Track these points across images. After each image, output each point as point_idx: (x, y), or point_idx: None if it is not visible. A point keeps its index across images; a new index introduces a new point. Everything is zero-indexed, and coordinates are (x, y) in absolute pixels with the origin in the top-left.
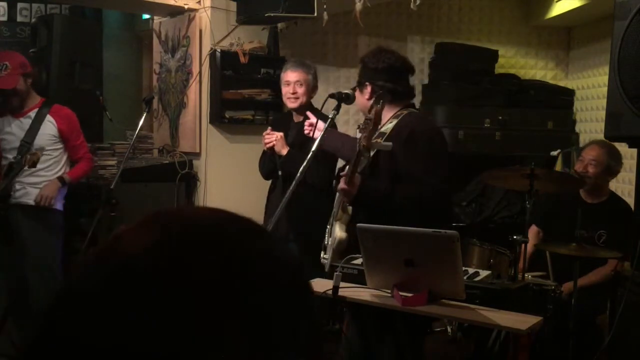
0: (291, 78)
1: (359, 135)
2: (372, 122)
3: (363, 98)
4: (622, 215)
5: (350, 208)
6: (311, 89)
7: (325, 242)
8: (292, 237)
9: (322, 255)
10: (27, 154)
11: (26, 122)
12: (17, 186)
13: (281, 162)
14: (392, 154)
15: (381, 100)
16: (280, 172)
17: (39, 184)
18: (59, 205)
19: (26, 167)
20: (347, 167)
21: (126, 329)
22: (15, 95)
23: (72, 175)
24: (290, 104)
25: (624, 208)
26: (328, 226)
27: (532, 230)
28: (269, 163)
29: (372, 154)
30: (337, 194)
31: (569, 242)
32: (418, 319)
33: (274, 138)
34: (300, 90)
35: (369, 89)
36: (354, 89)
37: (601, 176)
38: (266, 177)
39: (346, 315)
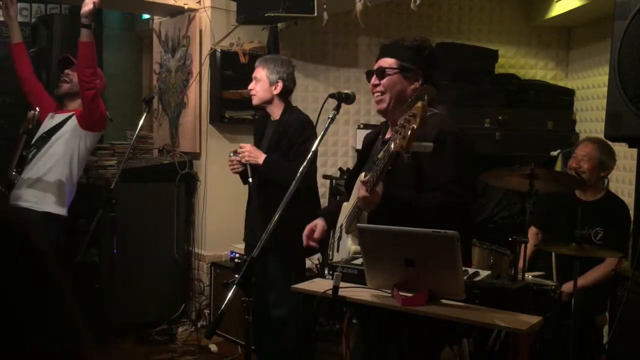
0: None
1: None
2: (418, 120)
3: (409, 88)
4: (619, 213)
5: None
6: (269, 85)
7: (331, 258)
8: (272, 246)
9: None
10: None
11: (58, 118)
12: (18, 189)
13: (260, 172)
14: (416, 156)
15: (425, 95)
16: (250, 180)
17: (37, 184)
18: (63, 211)
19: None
20: (368, 173)
21: None
22: (67, 82)
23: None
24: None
25: (620, 206)
26: (331, 240)
27: (531, 232)
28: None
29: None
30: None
31: (569, 242)
32: (428, 335)
33: (236, 165)
34: (255, 86)
35: (420, 79)
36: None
37: (595, 172)
38: (244, 182)
39: (347, 315)
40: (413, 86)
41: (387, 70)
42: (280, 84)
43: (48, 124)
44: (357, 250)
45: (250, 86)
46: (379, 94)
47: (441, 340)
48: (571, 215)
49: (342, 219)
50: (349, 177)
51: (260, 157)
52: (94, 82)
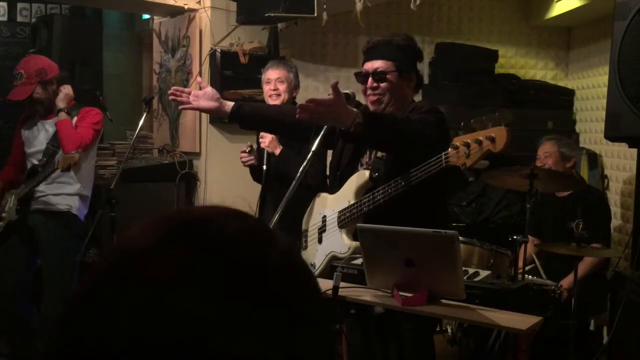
0: (272, 76)
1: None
2: (498, 146)
3: (407, 87)
4: (595, 201)
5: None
6: (293, 87)
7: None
8: None
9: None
10: (61, 157)
11: (51, 124)
12: (39, 193)
13: (274, 162)
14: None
15: (504, 122)
16: (265, 168)
17: (60, 194)
18: (81, 215)
19: (59, 170)
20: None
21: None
22: (35, 103)
23: (67, 125)
24: (272, 101)
25: (596, 195)
26: (310, 234)
27: (531, 242)
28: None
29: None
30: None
31: (568, 242)
32: (423, 319)
33: (248, 157)
34: (282, 87)
35: (414, 77)
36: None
37: (559, 165)
38: (254, 178)
39: (347, 318)
40: (409, 85)
41: (388, 75)
42: (299, 88)
43: (40, 131)
44: (358, 246)
45: (278, 86)
46: (377, 96)
47: (433, 323)
48: (558, 215)
49: (328, 211)
50: (334, 167)
51: (277, 149)
52: (82, 146)
